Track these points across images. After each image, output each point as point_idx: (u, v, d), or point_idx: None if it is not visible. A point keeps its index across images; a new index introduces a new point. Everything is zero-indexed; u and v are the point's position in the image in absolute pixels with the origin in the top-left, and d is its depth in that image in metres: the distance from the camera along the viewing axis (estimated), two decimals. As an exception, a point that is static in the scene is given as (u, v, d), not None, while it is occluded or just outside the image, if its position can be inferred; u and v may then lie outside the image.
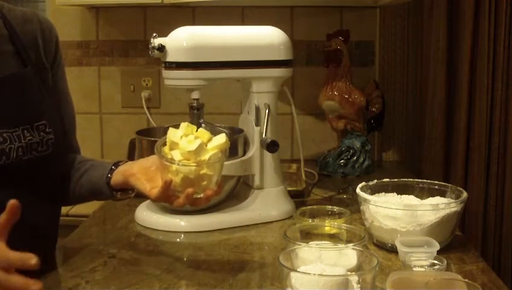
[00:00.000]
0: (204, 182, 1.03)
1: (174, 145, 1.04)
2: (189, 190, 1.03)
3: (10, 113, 1.12)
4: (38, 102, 1.17)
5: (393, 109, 2.06)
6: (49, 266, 1.15)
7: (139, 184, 1.10)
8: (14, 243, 1.01)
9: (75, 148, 1.35)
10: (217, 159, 1.03)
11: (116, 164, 1.21)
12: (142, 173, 1.11)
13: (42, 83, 1.20)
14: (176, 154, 1.03)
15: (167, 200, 1.06)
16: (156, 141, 1.09)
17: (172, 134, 1.05)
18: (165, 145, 1.07)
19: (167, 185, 1.02)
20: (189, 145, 1.02)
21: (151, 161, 1.14)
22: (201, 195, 1.05)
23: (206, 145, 1.05)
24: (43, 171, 1.15)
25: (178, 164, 1.02)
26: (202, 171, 1.02)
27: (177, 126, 1.08)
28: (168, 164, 1.02)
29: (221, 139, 1.06)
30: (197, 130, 1.08)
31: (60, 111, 1.25)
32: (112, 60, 2.15)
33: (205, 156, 1.02)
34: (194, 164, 1.02)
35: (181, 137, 1.05)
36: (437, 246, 1.08)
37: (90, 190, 1.23)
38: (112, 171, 1.19)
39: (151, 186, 1.08)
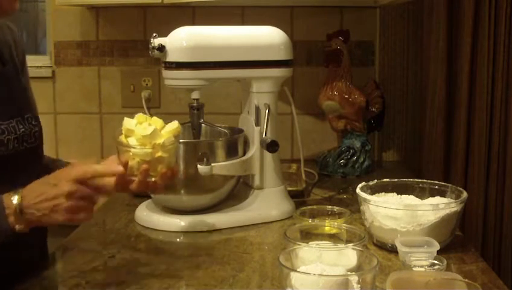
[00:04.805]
0: (160, 165, 1.10)
1: (129, 133, 1.11)
2: (145, 166, 1.07)
3: (3, 106, 1.14)
4: (22, 96, 1.22)
5: (393, 109, 2.06)
6: (41, 256, 1.19)
7: (99, 179, 1.07)
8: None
9: None
10: (171, 142, 1.11)
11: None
12: None
13: (19, 82, 1.23)
14: (132, 141, 1.10)
15: (125, 188, 1.08)
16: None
17: (128, 123, 1.11)
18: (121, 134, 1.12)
19: (125, 167, 1.05)
20: (144, 130, 1.09)
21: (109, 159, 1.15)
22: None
23: (160, 131, 1.12)
24: (33, 163, 1.18)
25: (135, 148, 1.08)
26: (157, 154, 1.09)
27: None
28: (125, 148, 1.09)
29: (174, 125, 1.15)
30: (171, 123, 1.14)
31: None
32: (112, 60, 2.15)
33: (160, 140, 1.10)
34: (150, 148, 1.08)
35: (136, 125, 1.11)
36: (437, 246, 1.08)
37: None
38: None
39: (108, 181, 1.07)
